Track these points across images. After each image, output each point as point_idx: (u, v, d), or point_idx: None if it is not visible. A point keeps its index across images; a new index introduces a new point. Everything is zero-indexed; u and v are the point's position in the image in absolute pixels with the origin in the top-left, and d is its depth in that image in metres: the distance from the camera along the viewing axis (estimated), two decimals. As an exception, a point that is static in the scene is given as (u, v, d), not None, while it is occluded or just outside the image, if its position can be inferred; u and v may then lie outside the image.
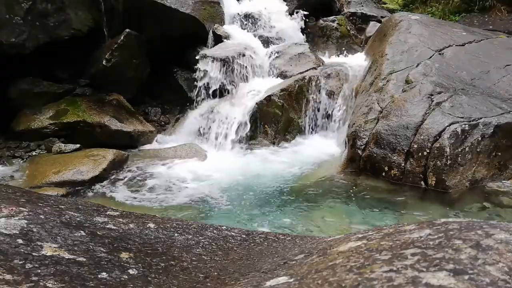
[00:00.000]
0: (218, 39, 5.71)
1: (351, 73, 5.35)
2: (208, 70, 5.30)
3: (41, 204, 1.33)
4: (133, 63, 5.30)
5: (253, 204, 3.71)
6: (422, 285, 0.68)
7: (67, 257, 1.03)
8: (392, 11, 7.44)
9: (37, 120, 4.77)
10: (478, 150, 3.88)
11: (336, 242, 1.07)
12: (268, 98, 5.05)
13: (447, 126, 3.90)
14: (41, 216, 1.21)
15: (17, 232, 1.07)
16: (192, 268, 1.13)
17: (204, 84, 5.35)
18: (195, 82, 5.39)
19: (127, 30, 5.19)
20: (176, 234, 1.35)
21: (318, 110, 5.22)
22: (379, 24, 6.47)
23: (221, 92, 5.39)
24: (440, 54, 4.87)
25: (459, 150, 3.82)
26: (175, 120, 5.54)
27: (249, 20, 6.26)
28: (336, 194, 3.88)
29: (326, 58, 6.12)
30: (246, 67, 5.42)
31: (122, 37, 5.16)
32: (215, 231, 1.45)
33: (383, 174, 4.06)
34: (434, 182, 3.82)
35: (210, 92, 5.38)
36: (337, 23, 6.81)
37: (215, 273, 1.10)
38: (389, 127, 4.14)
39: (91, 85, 5.20)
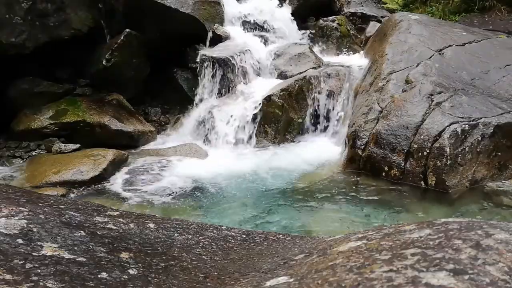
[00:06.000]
0: (218, 39, 5.70)
1: (351, 73, 5.35)
2: (208, 70, 5.30)
3: (41, 204, 1.33)
4: (133, 63, 5.30)
5: (253, 204, 3.71)
6: (422, 285, 0.68)
7: (67, 257, 1.03)
8: (392, 11, 7.44)
9: (37, 120, 4.77)
10: (478, 150, 3.88)
11: (336, 242, 1.07)
12: (268, 98, 5.05)
13: (447, 126, 3.89)
14: (41, 216, 1.21)
15: (17, 232, 1.07)
16: (192, 268, 1.13)
17: (204, 84, 5.35)
18: (195, 82, 5.39)
19: (127, 30, 5.19)
20: (176, 234, 1.35)
21: (318, 110, 5.22)
22: (379, 24, 6.46)
23: (221, 92, 5.39)
24: (440, 54, 4.87)
25: (459, 150, 3.82)
26: (175, 120, 5.54)
27: (249, 20, 6.25)
28: (336, 194, 3.88)
29: (326, 58, 6.12)
30: (246, 67, 5.42)
31: (122, 37, 5.16)
32: (215, 231, 1.45)
33: (383, 174, 4.06)
34: (434, 182, 3.82)
35: (210, 92, 5.38)
36: (337, 23, 6.81)
37: (215, 273, 1.10)
38: (389, 127, 4.13)
39: (91, 85, 5.20)
